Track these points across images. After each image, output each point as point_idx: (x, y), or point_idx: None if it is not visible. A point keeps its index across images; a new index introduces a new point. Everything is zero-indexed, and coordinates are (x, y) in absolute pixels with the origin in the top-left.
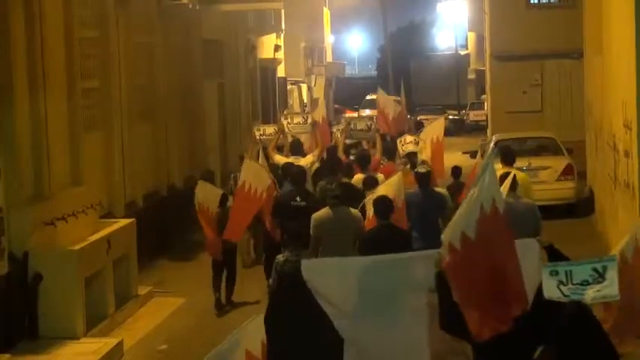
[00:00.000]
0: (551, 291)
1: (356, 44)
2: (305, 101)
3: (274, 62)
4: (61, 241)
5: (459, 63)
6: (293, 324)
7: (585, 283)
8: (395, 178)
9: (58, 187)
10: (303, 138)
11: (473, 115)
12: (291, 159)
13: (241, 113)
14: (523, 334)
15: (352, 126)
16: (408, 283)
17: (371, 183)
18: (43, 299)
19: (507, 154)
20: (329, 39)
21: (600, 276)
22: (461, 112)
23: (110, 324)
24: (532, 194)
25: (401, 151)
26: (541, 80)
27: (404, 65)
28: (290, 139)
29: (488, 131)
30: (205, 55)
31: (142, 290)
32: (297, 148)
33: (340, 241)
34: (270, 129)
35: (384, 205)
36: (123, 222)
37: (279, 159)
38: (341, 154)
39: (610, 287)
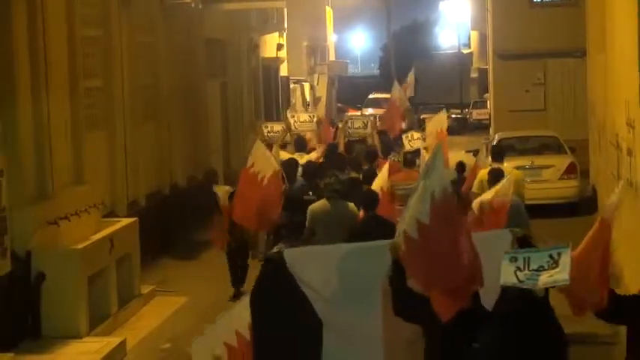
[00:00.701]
0: (508, 277)
1: (359, 43)
2: (308, 100)
3: (277, 61)
4: (64, 241)
5: (461, 62)
6: (274, 307)
7: (541, 269)
8: (384, 172)
9: (60, 186)
10: (308, 135)
11: (476, 114)
12: (295, 155)
13: (244, 112)
14: (471, 322)
15: (349, 124)
16: (385, 270)
17: (371, 178)
18: (46, 298)
19: (497, 151)
20: (332, 38)
21: (555, 262)
22: (464, 111)
23: (113, 323)
24: (523, 191)
25: (408, 147)
26: (544, 79)
27: (407, 64)
28: (294, 136)
29: (491, 130)
30: (208, 54)
31: (145, 289)
32: (301, 145)
33: (334, 234)
34: (278, 126)
35: (369, 197)
36: (125, 221)
37: (283, 155)
38: (341, 149)
39: (562, 272)
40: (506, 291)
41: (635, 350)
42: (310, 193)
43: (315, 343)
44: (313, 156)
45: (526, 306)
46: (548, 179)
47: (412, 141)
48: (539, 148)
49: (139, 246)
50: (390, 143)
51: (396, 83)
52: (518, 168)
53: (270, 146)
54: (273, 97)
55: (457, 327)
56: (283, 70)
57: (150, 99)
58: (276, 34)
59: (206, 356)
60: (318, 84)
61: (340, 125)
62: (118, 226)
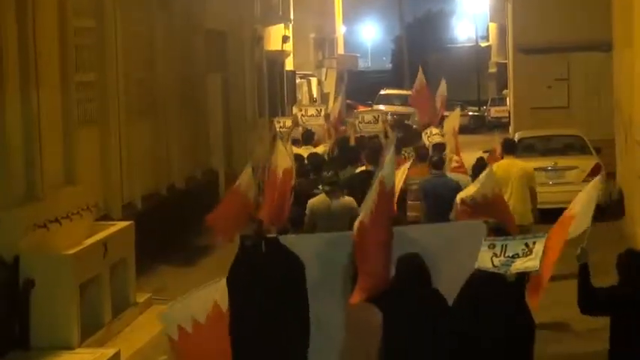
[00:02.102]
0: (484, 262)
1: (369, 35)
2: (315, 96)
3: (282, 54)
4: (55, 245)
5: (479, 56)
6: (247, 290)
7: (516, 256)
8: (403, 171)
9: (51, 187)
10: (319, 131)
11: (494, 112)
12: (302, 149)
13: (246, 109)
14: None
15: (360, 119)
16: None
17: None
18: (35, 307)
19: (509, 144)
20: (340, 30)
21: (529, 250)
22: (481, 109)
23: (106, 333)
24: (534, 183)
25: (427, 142)
26: (567, 74)
27: (420, 58)
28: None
29: (511, 129)
30: (208, 47)
31: (141, 297)
32: (308, 139)
33: (334, 229)
34: (289, 121)
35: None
36: (120, 225)
37: (291, 150)
38: (352, 142)
39: (534, 260)
40: (474, 277)
41: (617, 341)
42: (320, 187)
43: (299, 329)
44: (320, 150)
45: (495, 291)
46: (571, 181)
47: (431, 136)
48: (562, 148)
49: (134, 251)
50: (405, 138)
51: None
52: (539, 169)
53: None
54: (277, 92)
55: (419, 314)
56: (289, 64)
57: (146, 94)
58: (282, 25)
59: (172, 322)
60: (326, 79)
61: (350, 120)
62: (112, 229)
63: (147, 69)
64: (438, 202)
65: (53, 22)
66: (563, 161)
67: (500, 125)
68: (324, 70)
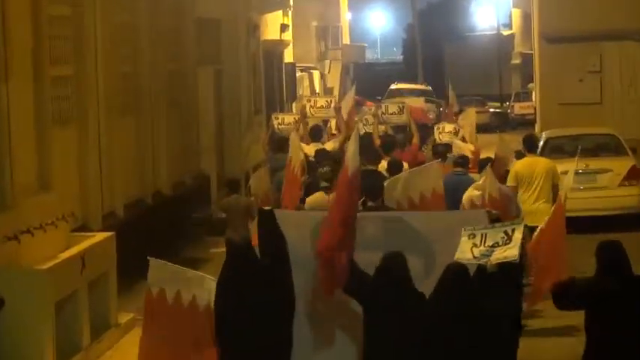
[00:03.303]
0: (464, 253)
1: (378, 23)
2: (317, 91)
3: (281, 45)
4: (27, 259)
5: (501, 46)
6: (238, 291)
7: (495, 245)
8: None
9: (22, 194)
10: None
11: (518, 108)
12: (310, 146)
13: (241, 105)
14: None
15: (383, 109)
16: (357, 242)
17: (395, 168)
18: (5, 327)
19: (530, 141)
20: (346, 17)
21: (508, 238)
22: (504, 105)
23: (85, 357)
24: (558, 180)
25: (438, 140)
26: (600, 66)
27: (435, 48)
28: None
29: (537, 127)
30: (199, 38)
31: (123, 318)
32: (317, 134)
33: None
34: (289, 117)
35: (371, 186)
36: (100, 236)
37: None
38: (377, 140)
39: (512, 249)
40: (449, 267)
41: (593, 336)
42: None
43: (284, 325)
44: (330, 146)
45: (480, 281)
46: (605, 186)
47: (442, 133)
48: (594, 148)
49: (116, 266)
50: (424, 135)
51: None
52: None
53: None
54: (276, 87)
55: (396, 305)
56: (288, 56)
57: (130, 90)
58: (280, 12)
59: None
60: (329, 72)
61: (366, 117)
62: (91, 242)
63: (130, 62)
64: (458, 202)
65: (25, 10)
66: (595, 163)
67: (525, 123)
68: (327, 62)
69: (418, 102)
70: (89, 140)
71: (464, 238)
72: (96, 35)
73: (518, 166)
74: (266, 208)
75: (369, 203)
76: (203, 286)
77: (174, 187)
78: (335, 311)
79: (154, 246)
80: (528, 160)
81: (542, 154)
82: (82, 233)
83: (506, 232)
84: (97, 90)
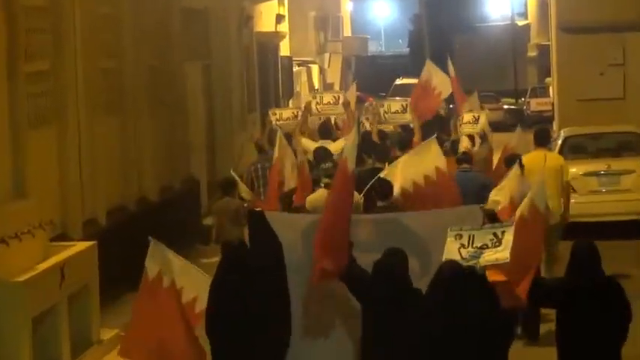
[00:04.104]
0: (452, 254)
1: (382, 13)
2: (317, 87)
3: (276, 37)
4: (2, 271)
5: (516, 37)
6: (232, 294)
7: (484, 247)
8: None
9: None
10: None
11: (535, 104)
12: (319, 143)
13: (233, 103)
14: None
15: (385, 108)
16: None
17: None
18: None
19: (541, 134)
20: (347, 7)
21: (498, 240)
22: (519, 101)
23: None
24: (567, 177)
25: (459, 133)
26: (623, 59)
27: (444, 40)
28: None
29: (555, 125)
30: (187, 30)
31: (106, 334)
32: (326, 131)
33: None
34: (287, 112)
35: (381, 186)
36: (81, 245)
37: (307, 144)
38: (375, 138)
39: (503, 251)
40: (442, 268)
41: (564, 331)
42: None
43: (278, 330)
44: (341, 144)
45: (467, 281)
46: (628, 188)
47: (462, 125)
48: (617, 148)
49: (98, 277)
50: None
51: (429, 63)
52: (589, 174)
53: (287, 136)
54: (271, 83)
55: (393, 301)
56: (284, 49)
57: (112, 87)
58: (275, 1)
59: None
60: (329, 66)
61: (369, 115)
62: (71, 251)
63: (112, 57)
64: (466, 200)
65: None
66: (618, 164)
67: (542, 121)
68: (326, 55)
69: None
70: (68, 142)
71: (450, 239)
72: (75, 28)
73: (525, 160)
74: (257, 209)
75: (379, 203)
76: (195, 282)
77: (160, 192)
78: (329, 313)
79: (139, 256)
80: (537, 153)
81: (560, 154)
82: (62, 242)
83: (495, 234)
84: (76, 87)
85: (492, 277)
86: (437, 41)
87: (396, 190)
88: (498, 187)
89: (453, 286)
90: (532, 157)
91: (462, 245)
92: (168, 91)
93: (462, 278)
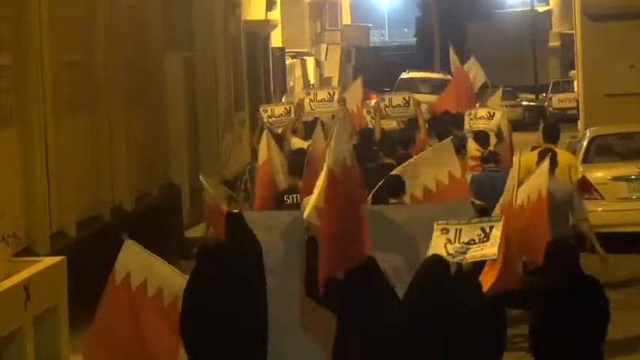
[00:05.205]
0: (437, 249)
1: None
2: (312, 82)
3: (267, 26)
4: None
5: (536, 25)
6: (207, 297)
7: (472, 243)
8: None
9: None
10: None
11: (557, 101)
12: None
13: (218, 100)
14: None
15: (387, 102)
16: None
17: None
18: None
19: (551, 130)
20: None
21: (486, 236)
22: (540, 97)
23: None
24: (575, 176)
25: (467, 127)
26: None
27: (456, 29)
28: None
29: (580, 123)
30: (167, 18)
31: (77, 359)
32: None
33: None
34: (279, 109)
35: (392, 183)
36: (48, 261)
37: (297, 143)
38: (378, 136)
39: (491, 247)
40: (424, 263)
41: (541, 333)
42: None
43: (256, 335)
44: None
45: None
46: None
47: (473, 120)
48: None
49: (67, 297)
50: (448, 125)
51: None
52: (619, 179)
53: (277, 136)
54: (261, 78)
55: (368, 304)
56: (276, 40)
57: (82, 83)
58: None
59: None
60: (326, 59)
61: (374, 104)
62: (37, 268)
63: (83, 48)
64: (494, 203)
65: None
66: None
67: (566, 119)
68: (323, 46)
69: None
70: (33, 144)
71: (436, 233)
72: (40, 17)
73: (533, 158)
74: (234, 211)
75: (391, 200)
76: (174, 283)
77: (137, 201)
78: (310, 316)
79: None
80: (543, 149)
81: (586, 157)
82: (26, 258)
83: (483, 229)
84: (41, 84)
85: (483, 276)
86: (448, 30)
87: (406, 196)
88: (524, 184)
89: (438, 283)
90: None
91: (449, 240)
92: (145, 86)
93: (446, 275)
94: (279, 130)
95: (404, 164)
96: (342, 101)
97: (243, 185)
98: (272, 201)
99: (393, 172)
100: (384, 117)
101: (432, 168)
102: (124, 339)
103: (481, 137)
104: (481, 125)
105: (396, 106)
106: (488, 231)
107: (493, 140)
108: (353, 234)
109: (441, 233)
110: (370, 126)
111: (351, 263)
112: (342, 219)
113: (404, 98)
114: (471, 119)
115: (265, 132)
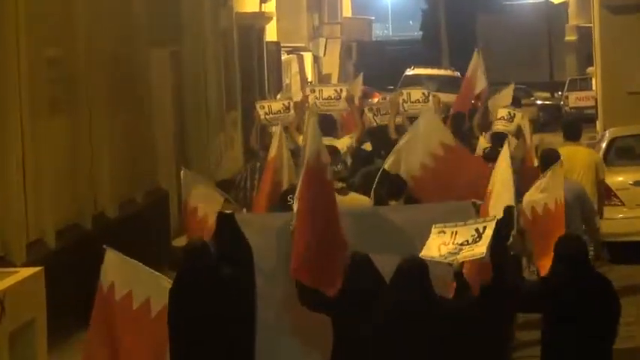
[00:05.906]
0: (430, 250)
1: None
2: (310, 79)
3: (261, 19)
4: None
5: (551, 18)
6: (194, 302)
7: (465, 244)
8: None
9: None
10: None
11: (574, 99)
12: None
13: (208, 98)
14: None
15: (404, 97)
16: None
17: None
18: None
19: (571, 127)
20: None
21: (479, 236)
22: (555, 95)
23: None
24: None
25: (492, 128)
26: None
27: (465, 22)
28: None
29: (598, 123)
30: (152, 11)
31: None
32: (329, 127)
33: None
34: (277, 105)
35: (394, 184)
36: (25, 272)
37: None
38: (393, 134)
39: (481, 246)
40: (402, 265)
41: (550, 332)
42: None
43: (244, 334)
44: (346, 142)
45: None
46: None
47: (495, 121)
48: None
49: (45, 311)
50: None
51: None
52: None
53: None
54: (255, 75)
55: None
56: (271, 34)
57: (62, 80)
58: None
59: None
60: (325, 54)
61: (391, 97)
62: (12, 279)
63: (62, 43)
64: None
65: None
66: None
67: (584, 119)
68: (322, 41)
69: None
70: (9, 147)
71: (433, 235)
72: (17, 9)
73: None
74: (227, 212)
75: (392, 202)
76: (162, 290)
77: (121, 207)
78: (302, 320)
79: (95, 283)
80: (568, 149)
81: (605, 160)
82: (1, 269)
83: (477, 230)
84: (18, 80)
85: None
86: (456, 23)
87: (408, 181)
88: (536, 185)
89: (411, 284)
90: (562, 154)
91: (444, 242)
92: (129, 84)
93: (422, 276)
94: (273, 129)
95: (392, 151)
96: (350, 99)
97: (243, 182)
98: (274, 198)
99: (386, 165)
100: (400, 113)
101: (422, 143)
102: (114, 348)
103: (498, 138)
104: (500, 127)
105: (415, 102)
106: (481, 231)
107: (513, 142)
108: (327, 232)
109: (438, 235)
110: (374, 124)
111: (325, 262)
112: (316, 217)
113: (423, 93)
114: (492, 120)
115: (280, 128)
